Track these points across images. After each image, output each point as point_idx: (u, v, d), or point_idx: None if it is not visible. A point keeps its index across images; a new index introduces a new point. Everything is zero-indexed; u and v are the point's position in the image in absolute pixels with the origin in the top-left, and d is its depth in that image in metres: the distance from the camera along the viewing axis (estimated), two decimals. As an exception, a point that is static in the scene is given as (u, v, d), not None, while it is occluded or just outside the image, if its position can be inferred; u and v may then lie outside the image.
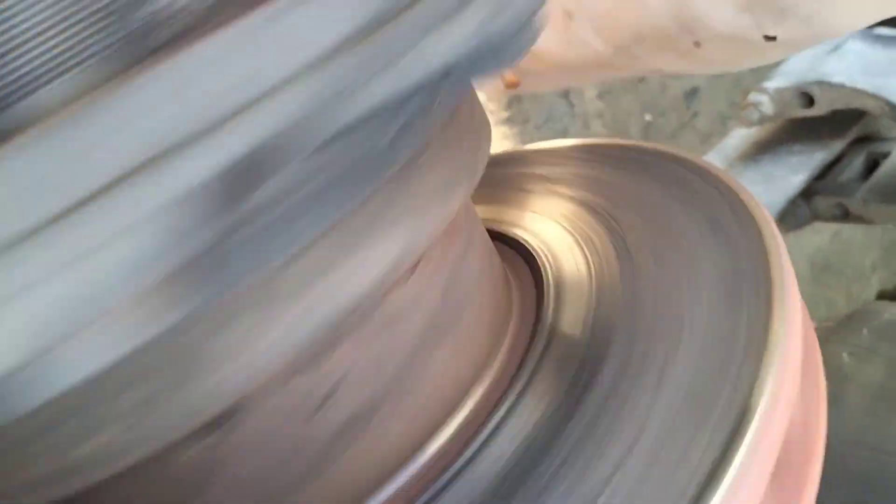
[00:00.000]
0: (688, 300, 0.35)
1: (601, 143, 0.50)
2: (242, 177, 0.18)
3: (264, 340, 0.23)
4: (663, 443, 0.29)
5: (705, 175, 0.43)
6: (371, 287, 0.26)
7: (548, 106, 1.30)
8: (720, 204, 0.40)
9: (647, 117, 1.42)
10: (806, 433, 0.33)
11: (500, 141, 1.25)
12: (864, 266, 1.73)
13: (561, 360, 0.35)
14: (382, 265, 0.27)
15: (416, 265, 0.31)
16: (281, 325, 0.24)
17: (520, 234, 0.45)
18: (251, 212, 0.19)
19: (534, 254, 0.43)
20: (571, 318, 0.38)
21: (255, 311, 0.23)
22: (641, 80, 1.40)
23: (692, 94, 1.47)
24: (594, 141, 0.50)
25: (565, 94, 1.32)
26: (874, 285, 1.73)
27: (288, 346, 0.24)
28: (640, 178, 0.45)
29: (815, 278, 1.62)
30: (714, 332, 0.33)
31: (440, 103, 0.22)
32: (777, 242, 0.36)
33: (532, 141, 1.29)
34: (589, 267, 0.41)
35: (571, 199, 0.46)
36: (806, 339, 0.35)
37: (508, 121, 1.26)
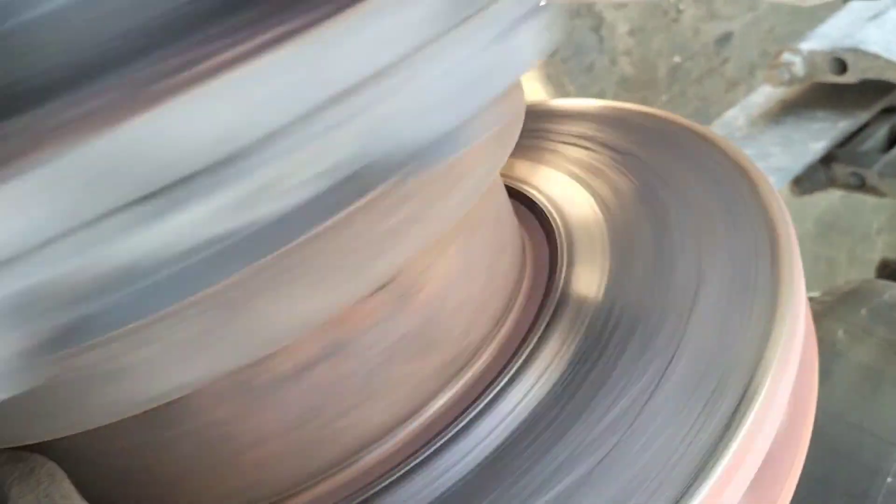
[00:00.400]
0: (699, 279, 0.37)
1: (626, 108, 0.50)
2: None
3: None
4: (662, 426, 0.30)
5: (725, 156, 0.43)
6: None
7: (576, 39, 1.28)
8: (737, 186, 0.41)
9: (676, 59, 1.40)
10: (793, 429, 0.34)
11: (526, 71, 1.24)
12: (871, 228, 1.73)
13: (571, 324, 0.36)
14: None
15: None
16: None
17: (533, 192, 0.46)
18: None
19: (547, 214, 0.44)
20: (584, 282, 0.39)
21: None
22: (675, 20, 1.37)
23: (724, 39, 1.45)
24: (618, 105, 0.51)
25: (596, 28, 1.30)
26: (878, 248, 1.74)
27: None
28: (661, 151, 0.45)
29: (821, 235, 1.63)
30: (722, 317, 0.34)
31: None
32: (790, 238, 0.37)
33: (557, 74, 1.28)
34: (603, 229, 0.42)
35: (589, 161, 0.47)
36: (807, 336, 0.36)
37: (536, 52, 1.24)
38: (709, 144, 0.45)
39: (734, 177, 0.42)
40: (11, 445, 0.28)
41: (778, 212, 0.39)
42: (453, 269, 0.34)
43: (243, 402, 0.30)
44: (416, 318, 0.33)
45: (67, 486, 0.27)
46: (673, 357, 0.33)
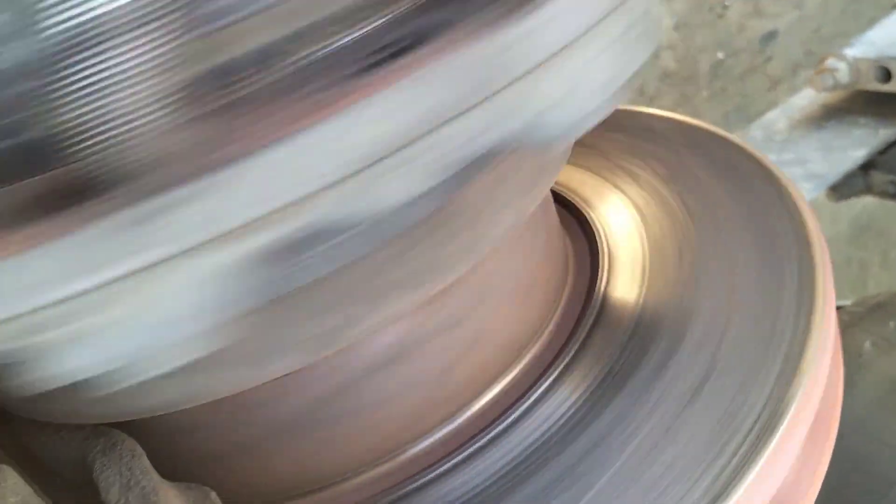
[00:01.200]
0: (734, 293, 0.38)
1: (685, 123, 0.51)
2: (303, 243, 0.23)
3: None
4: (692, 439, 0.32)
5: (768, 175, 0.45)
6: None
7: (621, 31, 1.28)
8: (777, 209, 0.42)
9: (720, 55, 1.40)
10: (816, 442, 0.36)
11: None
12: (906, 233, 1.72)
13: (611, 333, 0.38)
14: None
15: None
16: None
17: (580, 202, 0.48)
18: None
19: (592, 226, 0.46)
20: (624, 293, 0.41)
21: None
22: (721, 16, 1.37)
23: (769, 37, 1.44)
24: (678, 118, 0.52)
25: (641, 21, 1.30)
26: (912, 253, 1.73)
27: None
28: (709, 167, 0.47)
29: (854, 237, 1.63)
30: (753, 337, 0.36)
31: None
32: (825, 259, 0.39)
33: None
34: (643, 244, 0.44)
35: (638, 174, 0.48)
36: (834, 351, 0.38)
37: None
38: (745, 156, 0.47)
39: (771, 193, 0.43)
40: (102, 421, 0.31)
41: (814, 230, 0.40)
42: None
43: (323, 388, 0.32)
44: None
45: (146, 463, 0.30)
46: (707, 373, 0.35)
